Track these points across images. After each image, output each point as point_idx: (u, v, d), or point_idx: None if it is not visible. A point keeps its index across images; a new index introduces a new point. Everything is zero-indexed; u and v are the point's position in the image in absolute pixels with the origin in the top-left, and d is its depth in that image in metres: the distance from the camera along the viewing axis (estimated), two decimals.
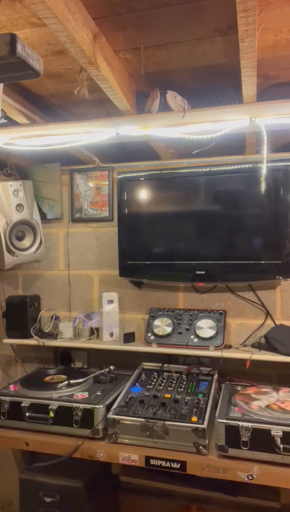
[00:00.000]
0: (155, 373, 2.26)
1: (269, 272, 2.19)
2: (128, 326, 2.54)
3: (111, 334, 2.42)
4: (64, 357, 2.63)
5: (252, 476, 1.67)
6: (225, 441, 1.72)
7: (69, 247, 2.69)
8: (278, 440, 1.64)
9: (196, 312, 2.35)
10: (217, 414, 1.82)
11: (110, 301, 2.45)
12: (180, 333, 2.27)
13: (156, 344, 2.26)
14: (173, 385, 2.12)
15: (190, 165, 2.38)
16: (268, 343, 2.19)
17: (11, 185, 2.40)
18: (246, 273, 2.24)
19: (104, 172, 2.60)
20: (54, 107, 2.15)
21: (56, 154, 2.35)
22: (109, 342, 2.40)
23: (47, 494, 2.13)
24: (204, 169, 2.31)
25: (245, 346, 2.29)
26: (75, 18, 1.28)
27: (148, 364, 2.38)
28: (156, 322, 2.33)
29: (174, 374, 2.24)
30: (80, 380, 2.17)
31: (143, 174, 2.42)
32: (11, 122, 2.00)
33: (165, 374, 2.26)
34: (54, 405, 1.97)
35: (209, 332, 2.22)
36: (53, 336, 2.49)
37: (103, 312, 2.41)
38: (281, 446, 1.64)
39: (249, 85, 1.58)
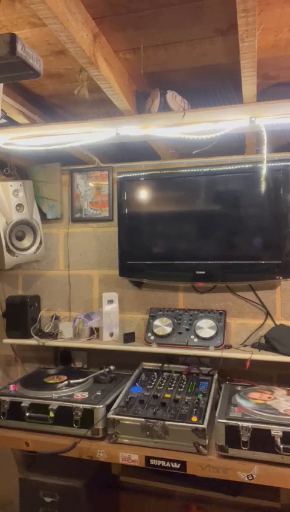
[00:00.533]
0: (155, 373, 2.26)
1: (269, 271, 2.19)
2: (128, 326, 2.54)
3: (111, 334, 2.42)
4: (64, 357, 2.63)
5: (252, 476, 1.67)
6: (225, 441, 1.72)
7: (69, 247, 2.69)
8: (278, 440, 1.64)
9: (196, 312, 2.35)
10: (217, 414, 1.82)
11: (110, 301, 2.45)
12: (180, 333, 2.27)
13: (156, 344, 2.26)
14: (173, 385, 2.12)
15: (190, 165, 2.38)
16: (268, 343, 2.19)
17: (11, 185, 2.40)
18: (246, 273, 2.24)
19: (104, 172, 2.60)
20: (54, 107, 2.15)
21: (56, 154, 2.35)
22: (109, 342, 2.40)
23: (47, 494, 2.13)
24: (204, 170, 2.31)
25: (245, 346, 2.28)
26: (75, 18, 1.28)
27: (148, 364, 2.37)
28: (156, 322, 2.33)
29: (174, 374, 2.24)
30: (80, 380, 2.17)
31: (143, 174, 2.42)
32: (11, 122, 2.00)
33: (165, 374, 2.26)
34: (54, 405, 1.97)
35: (209, 332, 2.22)
36: (53, 336, 2.49)
37: (103, 312, 2.41)
38: (281, 446, 1.64)
39: (249, 85, 1.58)
